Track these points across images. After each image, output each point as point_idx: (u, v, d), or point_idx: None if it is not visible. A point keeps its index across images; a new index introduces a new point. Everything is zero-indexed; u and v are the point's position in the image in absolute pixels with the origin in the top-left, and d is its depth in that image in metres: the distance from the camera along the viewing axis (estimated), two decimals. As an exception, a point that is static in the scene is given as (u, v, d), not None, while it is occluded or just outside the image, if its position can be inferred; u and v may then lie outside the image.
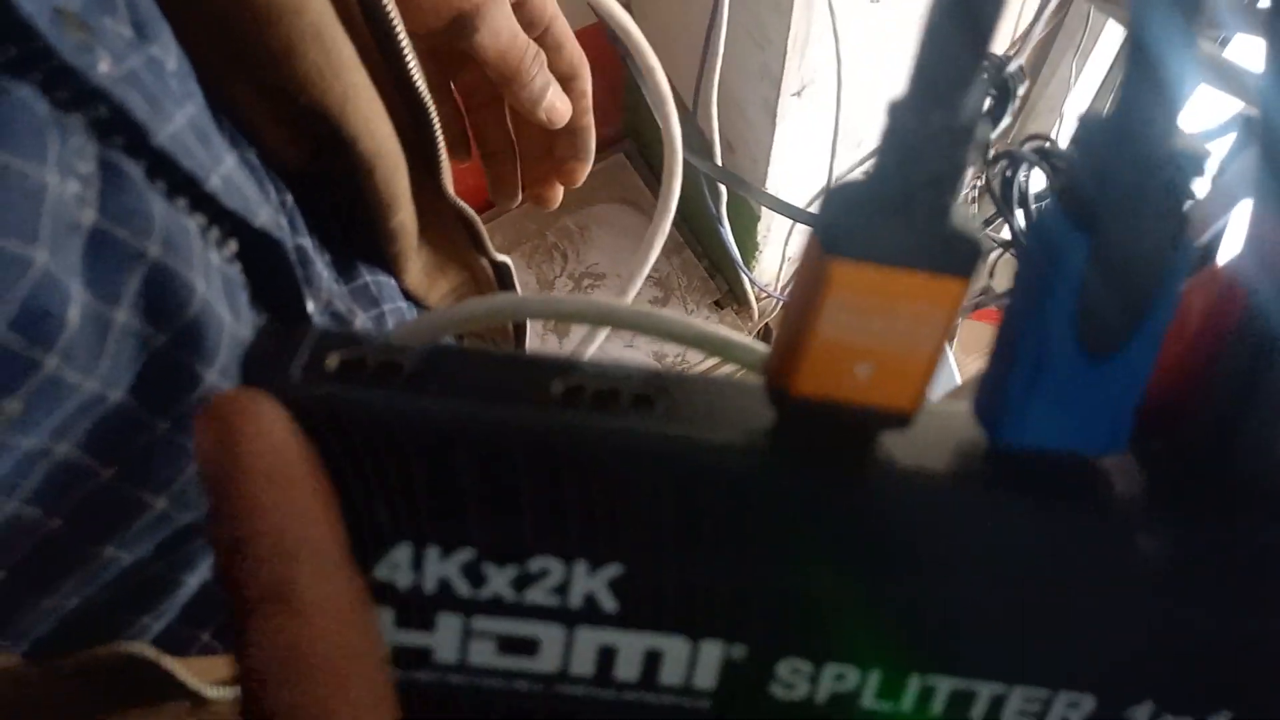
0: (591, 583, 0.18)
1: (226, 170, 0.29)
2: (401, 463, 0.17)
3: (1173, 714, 0.19)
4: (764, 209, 1.21)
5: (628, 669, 0.19)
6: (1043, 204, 0.17)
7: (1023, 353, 0.17)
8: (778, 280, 1.39)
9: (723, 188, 1.14)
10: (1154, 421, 0.18)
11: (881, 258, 0.16)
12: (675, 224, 1.55)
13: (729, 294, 1.47)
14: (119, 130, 0.25)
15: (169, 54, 0.28)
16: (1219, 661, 0.19)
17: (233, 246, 0.30)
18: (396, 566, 0.18)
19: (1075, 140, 0.16)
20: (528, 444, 0.16)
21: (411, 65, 0.37)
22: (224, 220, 0.29)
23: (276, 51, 0.31)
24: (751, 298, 1.43)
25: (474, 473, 0.17)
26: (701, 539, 0.17)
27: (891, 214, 0.16)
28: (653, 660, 0.19)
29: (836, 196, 0.16)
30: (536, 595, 0.18)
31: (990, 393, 0.18)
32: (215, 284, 0.28)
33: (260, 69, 0.32)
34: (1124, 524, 0.17)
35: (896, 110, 0.15)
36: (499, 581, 0.18)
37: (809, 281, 0.16)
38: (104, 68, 0.24)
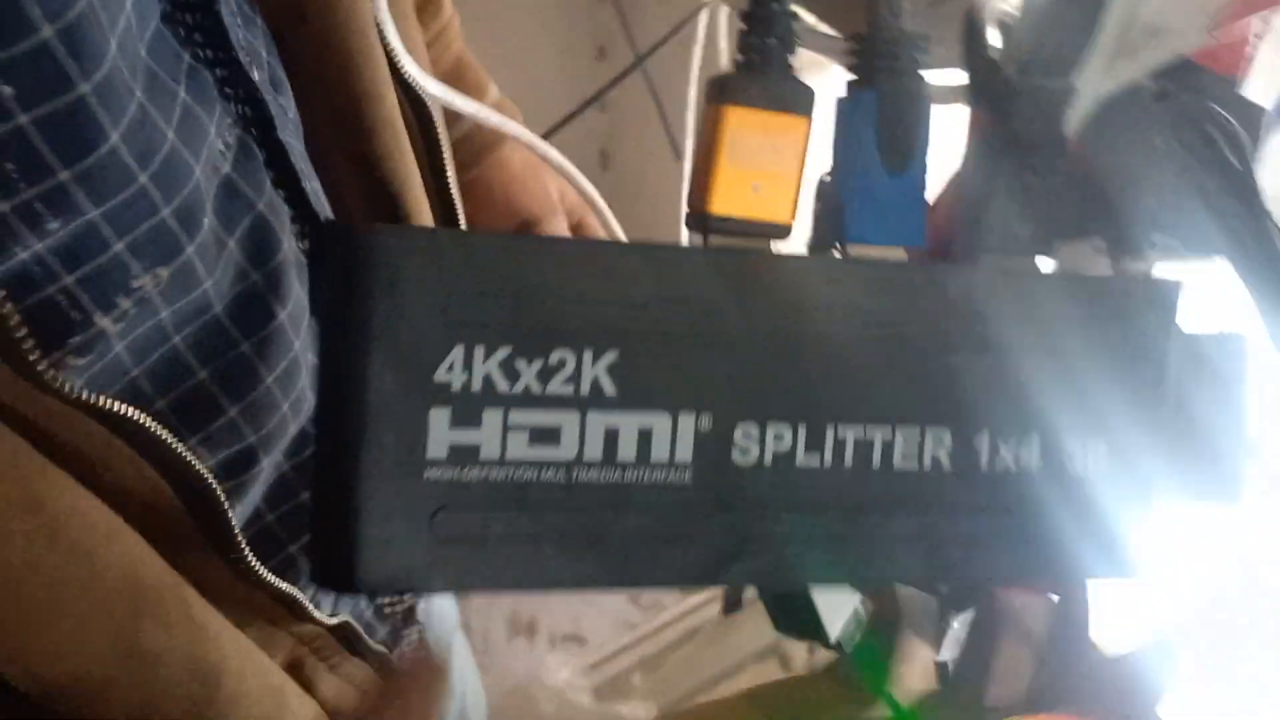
0: (595, 370, 0.24)
1: (315, 188, 0.37)
2: (465, 280, 0.23)
3: (1003, 441, 0.27)
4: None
5: (627, 448, 0.25)
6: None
7: (851, 176, 0.26)
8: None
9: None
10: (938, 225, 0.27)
11: (754, 103, 0.25)
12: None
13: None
14: (254, 125, 0.33)
15: (289, 106, 0.37)
16: (1022, 391, 0.27)
17: (306, 244, 0.36)
18: (452, 367, 0.23)
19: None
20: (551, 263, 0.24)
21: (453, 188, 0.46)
22: (305, 221, 0.36)
23: (364, 127, 0.39)
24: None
25: (512, 284, 0.23)
26: (669, 326, 0.24)
27: (756, 72, 0.25)
28: (645, 438, 0.25)
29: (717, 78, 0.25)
30: (555, 385, 0.24)
31: (833, 208, 0.27)
32: (292, 254, 0.34)
33: (350, 139, 0.40)
34: (941, 275, 0.26)
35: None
36: (528, 375, 0.24)
37: (710, 127, 0.25)
38: (256, 76, 0.33)
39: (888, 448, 0.26)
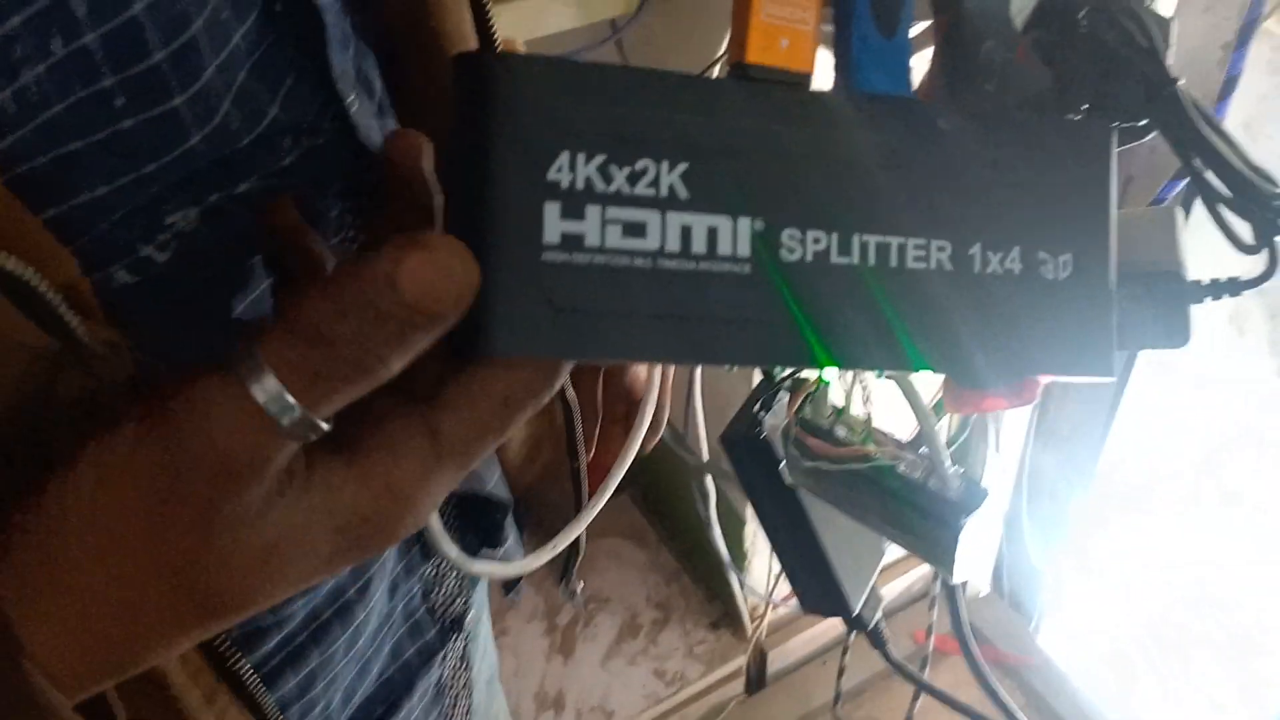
0: (671, 177, 0.30)
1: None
2: (569, 97, 0.29)
3: (992, 251, 0.33)
4: (749, 516, 1.33)
5: (698, 243, 0.30)
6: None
7: (855, 37, 0.33)
8: (768, 585, 1.55)
9: (712, 493, 1.24)
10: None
11: None
12: (675, 554, 1.88)
13: (725, 615, 1.79)
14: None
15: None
16: (1008, 204, 0.33)
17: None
18: (560, 169, 0.29)
19: None
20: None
21: None
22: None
23: None
24: (745, 614, 1.70)
25: (607, 102, 0.29)
26: (729, 144, 0.30)
27: None
28: (712, 235, 0.30)
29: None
30: (641, 188, 0.30)
31: (843, 63, 0.33)
32: None
33: None
34: (933, 111, 0.33)
35: None
36: (619, 178, 0.29)
37: None
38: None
39: (901, 251, 0.32)
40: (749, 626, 1.72)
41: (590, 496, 0.54)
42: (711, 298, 0.30)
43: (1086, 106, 0.36)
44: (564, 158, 0.29)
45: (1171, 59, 0.38)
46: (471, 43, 0.45)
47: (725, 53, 0.33)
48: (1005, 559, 1.78)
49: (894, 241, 0.32)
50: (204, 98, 0.32)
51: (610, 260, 0.29)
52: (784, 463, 0.50)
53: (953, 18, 0.36)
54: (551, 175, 0.29)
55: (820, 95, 0.32)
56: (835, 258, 0.32)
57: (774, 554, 0.55)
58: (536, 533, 0.62)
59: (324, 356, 0.27)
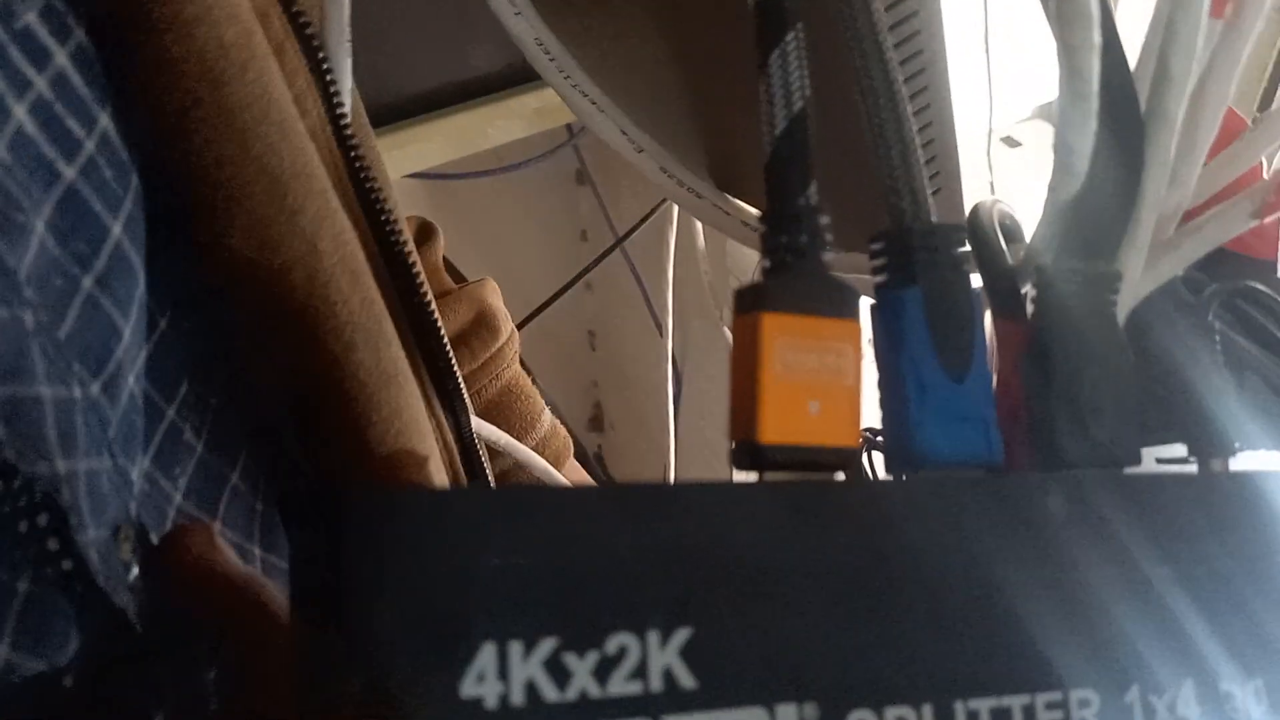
0: (666, 656, 0.18)
1: None
2: (487, 552, 0.17)
3: (1155, 694, 0.22)
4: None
5: None
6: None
7: (909, 389, 0.22)
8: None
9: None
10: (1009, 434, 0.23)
11: (794, 309, 0.21)
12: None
13: None
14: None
15: None
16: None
17: None
18: (483, 676, 0.17)
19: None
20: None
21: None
22: None
23: None
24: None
25: (549, 559, 0.17)
26: (746, 588, 0.19)
27: (789, 275, 0.21)
28: None
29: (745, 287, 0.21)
30: (619, 684, 0.18)
31: (895, 433, 0.22)
32: None
33: None
34: (1037, 487, 0.22)
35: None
36: (582, 674, 0.17)
37: (746, 342, 0.21)
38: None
39: (1028, 716, 0.21)
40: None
41: None
42: None
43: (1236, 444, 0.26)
44: (488, 655, 0.17)
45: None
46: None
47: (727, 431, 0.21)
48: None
49: (1015, 704, 0.21)
50: None
51: None
52: None
53: (1019, 318, 0.25)
54: (469, 690, 0.17)
55: (877, 489, 0.21)
56: None
57: None
58: None
59: None
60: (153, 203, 0.27)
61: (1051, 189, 0.24)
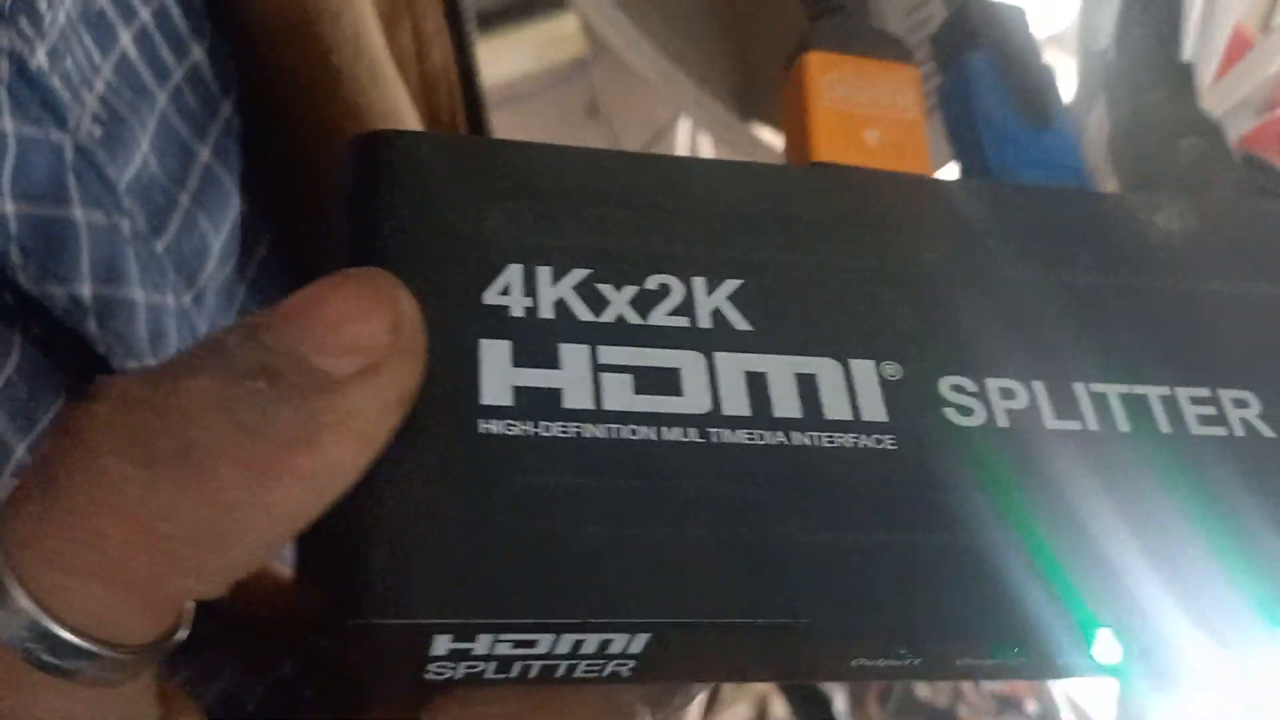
0: (714, 300, 0.17)
1: None
2: (513, 192, 0.17)
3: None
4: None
5: (785, 402, 0.16)
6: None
7: (986, 138, 0.21)
8: None
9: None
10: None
11: (842, 49, 0.21)
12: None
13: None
14: None
15: None
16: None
17: None
18: (508, 290, 0.16)
19: None
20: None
21: None
22: None
23: None
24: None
25: (581, 208, 0.17)
26: (805, 255, 0.18)
27: (834, 19, 0.21)
28: (808, 387, 0.16)
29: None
30: (662, 315, 0.16)
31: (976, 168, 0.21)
32: None
33: None
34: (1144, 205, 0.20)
35: None
36: (619, 302, 0.16)
37: (793, 86, 0.20)
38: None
39: (1172, 408, 0.17)
40: None
41: None
42: (827, 501, 0.15)
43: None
44: (513, 273, 0.16)
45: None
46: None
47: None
48: None
49: (1154, 393, 0.18)
50: None
51: (615, 432, 0.15)
52: None
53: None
54: (492, 298, 0.16)
55: (953, 184, 0.20)
56: (1052, 421, 0.17)
57: None
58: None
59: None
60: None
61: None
